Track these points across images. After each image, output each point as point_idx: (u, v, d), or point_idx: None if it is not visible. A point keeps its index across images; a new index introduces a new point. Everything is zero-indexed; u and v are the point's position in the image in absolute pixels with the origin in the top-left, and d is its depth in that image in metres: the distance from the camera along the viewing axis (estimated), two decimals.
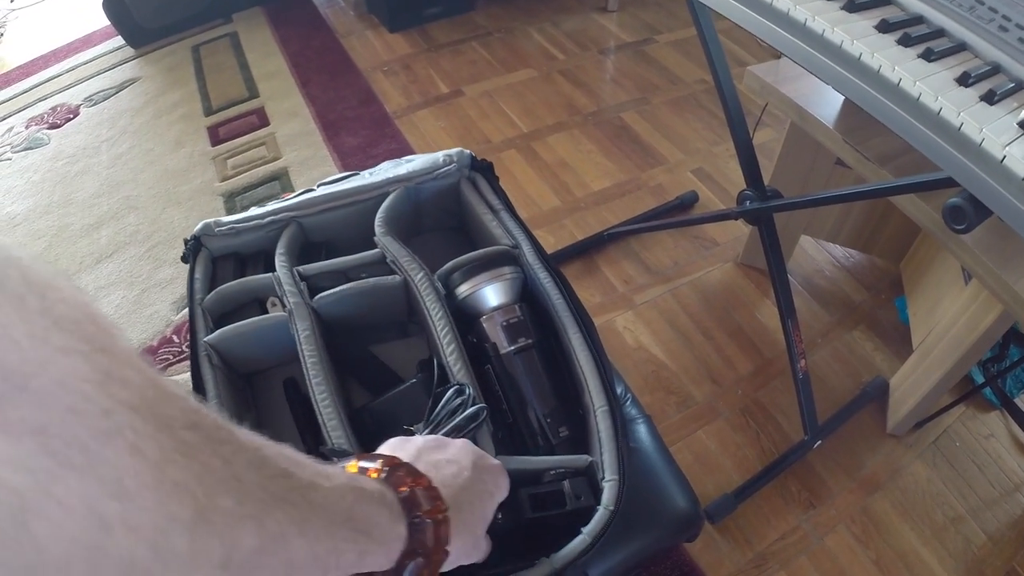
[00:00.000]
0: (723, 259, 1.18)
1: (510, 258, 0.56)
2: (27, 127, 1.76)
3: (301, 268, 0.58)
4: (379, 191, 0.62)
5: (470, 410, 0.49)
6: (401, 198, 0.61)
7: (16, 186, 1.55)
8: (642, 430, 0.63)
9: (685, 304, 1.11)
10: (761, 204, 0.85)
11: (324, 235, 0.64)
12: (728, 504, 0.86)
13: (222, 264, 0.62)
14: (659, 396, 0.99)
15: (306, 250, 0.63)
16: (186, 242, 0.62)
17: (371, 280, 0.56)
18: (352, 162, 1.41)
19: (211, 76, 1.82)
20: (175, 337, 1.09)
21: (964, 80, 0.53)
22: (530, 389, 0.53)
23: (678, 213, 1.26)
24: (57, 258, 1.32)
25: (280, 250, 0.59)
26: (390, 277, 0.56)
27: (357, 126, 1.53)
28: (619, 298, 1.12)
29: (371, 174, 0.68)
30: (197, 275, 0.59)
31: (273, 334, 0.55)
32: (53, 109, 1.82)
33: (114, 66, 1.94)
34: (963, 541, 0.85)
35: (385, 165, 0.70)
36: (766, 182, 0.92)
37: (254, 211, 0.63)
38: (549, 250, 1.17)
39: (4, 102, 1.89)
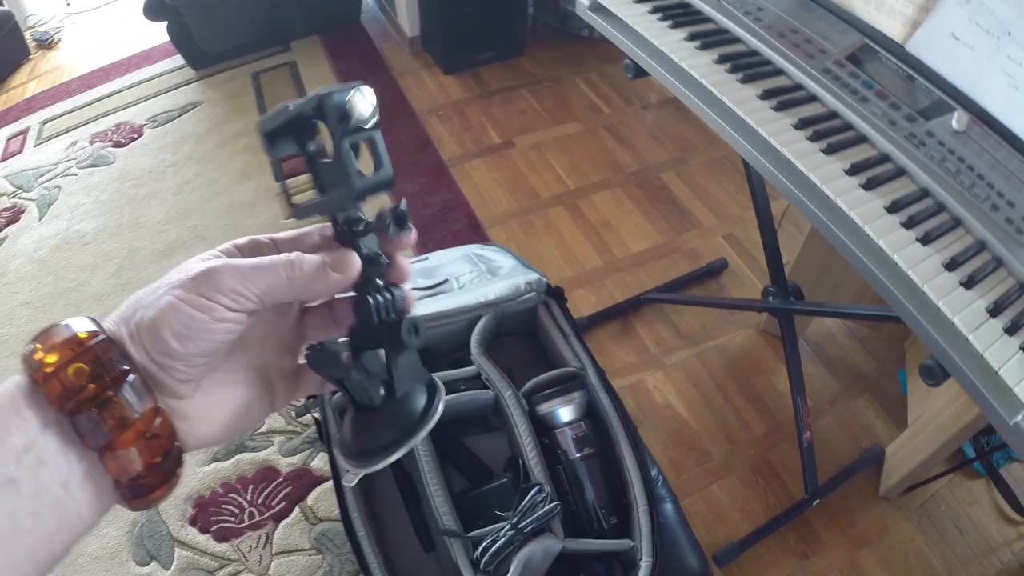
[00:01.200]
0: (747, 325, 1.32)
1: (579, 382, 0.72)
2: (91, 143, 1.81)
3: None
4: (472, 313, 0.78)
5: (548, 506, 0.66)
6: (490, 319, 0.78)
7: (83, 203, 1.61)
8: (668, 508, 0.80)
9: (710, 368, 1.26)
10: (781, 305, 1.00)
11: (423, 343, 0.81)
12: (734, 552, 1.03)
13: None
14: (681, 451, 1.15)
15: None
16: None
17: (470, 393, 0.72)
18: (409, 207, 1.56)
19: (272, 107, 1.94)
20: None
21: (951, 266, 0.66)
22: (590, 487, 0.70)
23: (708, 279, 1.40)
24: (129, 282, 1.40)
25: None
26: (484, 392, 0.72)
27: (414, 172, 1.67)
28: (651, 359, 1.27)
29: (460, 287, 0.84)
30: None
31: None
32: (117, 127, 1.87)
33: (176, 86, 2.01)
34: None
35: (472, 279, 0.86)
36: (789, 262, 1.03)
37: None
38: (591, 309, 1.34)
39: (66, 114, 1.94)
